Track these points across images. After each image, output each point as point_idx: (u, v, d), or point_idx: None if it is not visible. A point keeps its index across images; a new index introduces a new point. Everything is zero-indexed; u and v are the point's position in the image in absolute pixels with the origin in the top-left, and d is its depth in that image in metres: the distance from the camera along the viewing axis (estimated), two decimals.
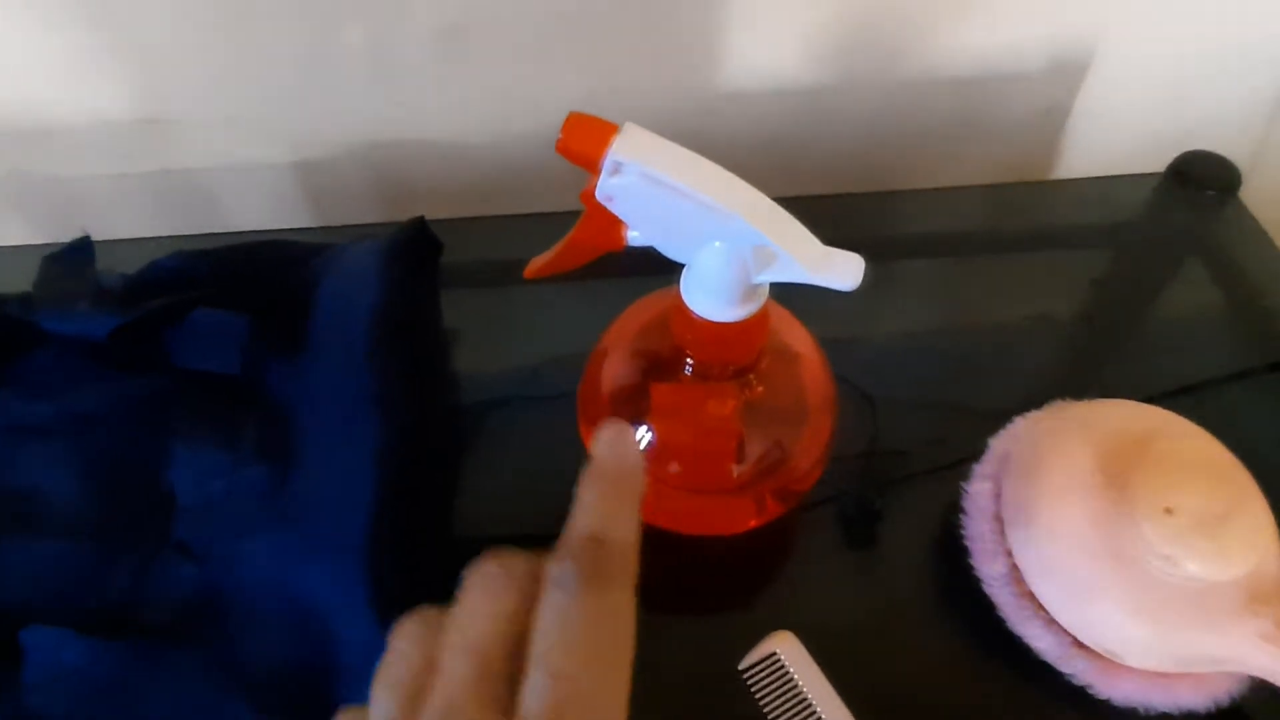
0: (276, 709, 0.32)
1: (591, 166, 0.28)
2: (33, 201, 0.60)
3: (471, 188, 0.61)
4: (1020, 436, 0.38)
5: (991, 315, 0.51)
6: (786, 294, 0.31)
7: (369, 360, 0.37)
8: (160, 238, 0.55)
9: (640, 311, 0.38)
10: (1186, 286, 0.53)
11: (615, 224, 0.29)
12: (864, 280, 0.28)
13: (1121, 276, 0.53)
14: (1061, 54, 0.57)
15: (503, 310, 0.50)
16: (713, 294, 0.30)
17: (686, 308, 0.31)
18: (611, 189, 0.28)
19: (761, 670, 0.36)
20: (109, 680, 0.32)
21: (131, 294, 0.40)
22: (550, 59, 0.54)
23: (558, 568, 0.21)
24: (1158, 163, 0.57)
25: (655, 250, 0.30)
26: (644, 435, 0.35)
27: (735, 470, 0.35)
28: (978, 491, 0.37)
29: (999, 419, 0.40)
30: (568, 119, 0.27)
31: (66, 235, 0.44)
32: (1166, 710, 0.34)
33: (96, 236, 0.44)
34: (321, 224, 0.62)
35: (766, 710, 0.35)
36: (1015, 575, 0.35)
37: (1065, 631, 0.34)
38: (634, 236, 0.30)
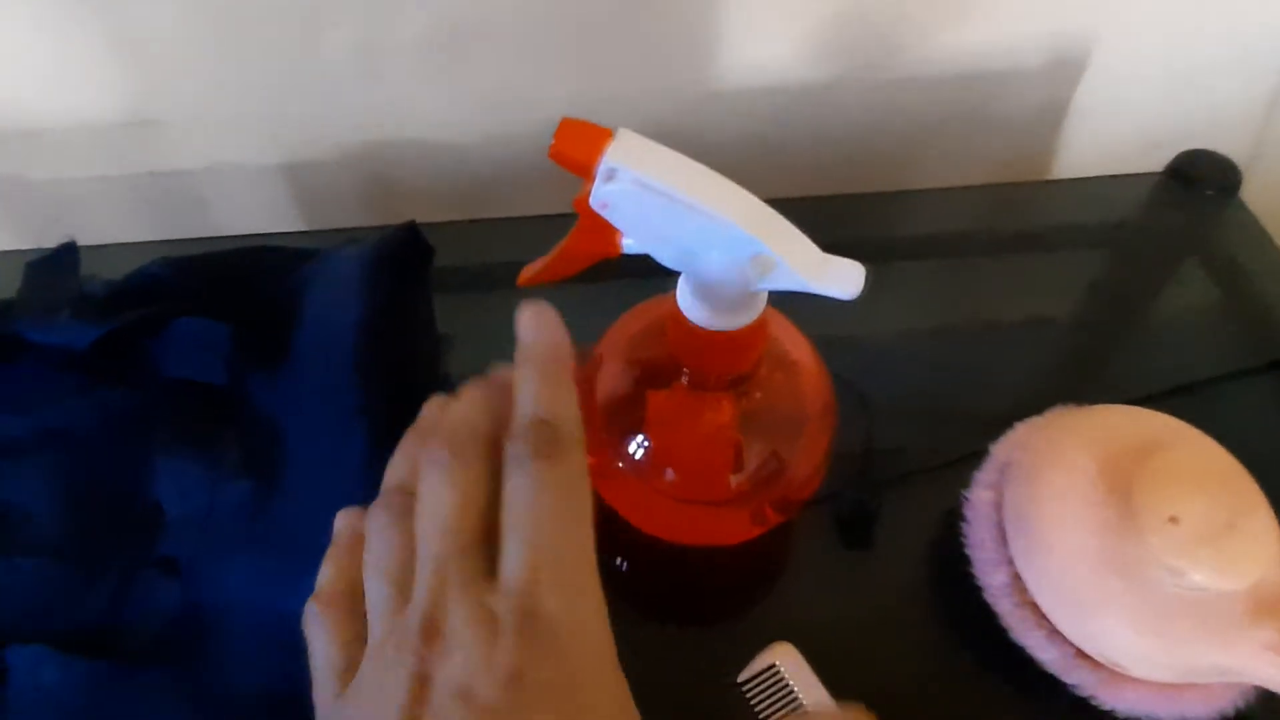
0: None
1: (585, 173, 0.27)
2: (17, 205, 0.59)
3: (465, 190, 0.60)
4: (1021, 444, 0.37)
5: (990, 316, 0.50)
6: (782, 295, 0.31)
7: (355, 372, 0.37)
8: (148, 242, 0.54)
9: (635, 319, 0.38)
10: (1186, 286, 0.52)
11: (610, 231, 0.29)
12: (864, 284, 0.27)
13: (1121, 276, 0.53)
14: (1059, 50, 0.57)
15: (497, 316, 0.49)
16: (710, 302, 0.29)
17: (683, 316, 0.30)
18: (605, 196, 0.27)
19: (761, 682, 0.35)
20: (88, 701, 0.31)
21: (115, 302, 0.40)
22: (542, 58, 0.54)
23: (513, 450, 0.24)
24: (1157, 162, 0.56)
25: (651, 257, 0.29)
26: (640, 445, 0.35)
27: (733, 480, 0.35)
28: (979, 500, 0.37)
29: (999, 421, 0.40)
30: (560, 124, 0.27)
31: (52, 240, 0.43)
32: None
33: (83, 241, 0.44)
34: (312, 228, 0.61)
35: None
36: (1017, 585, 0.35)
37: (1068, 642, 0.34)
38: (629, 244, 0.29)
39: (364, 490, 0.35)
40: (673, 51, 0.54)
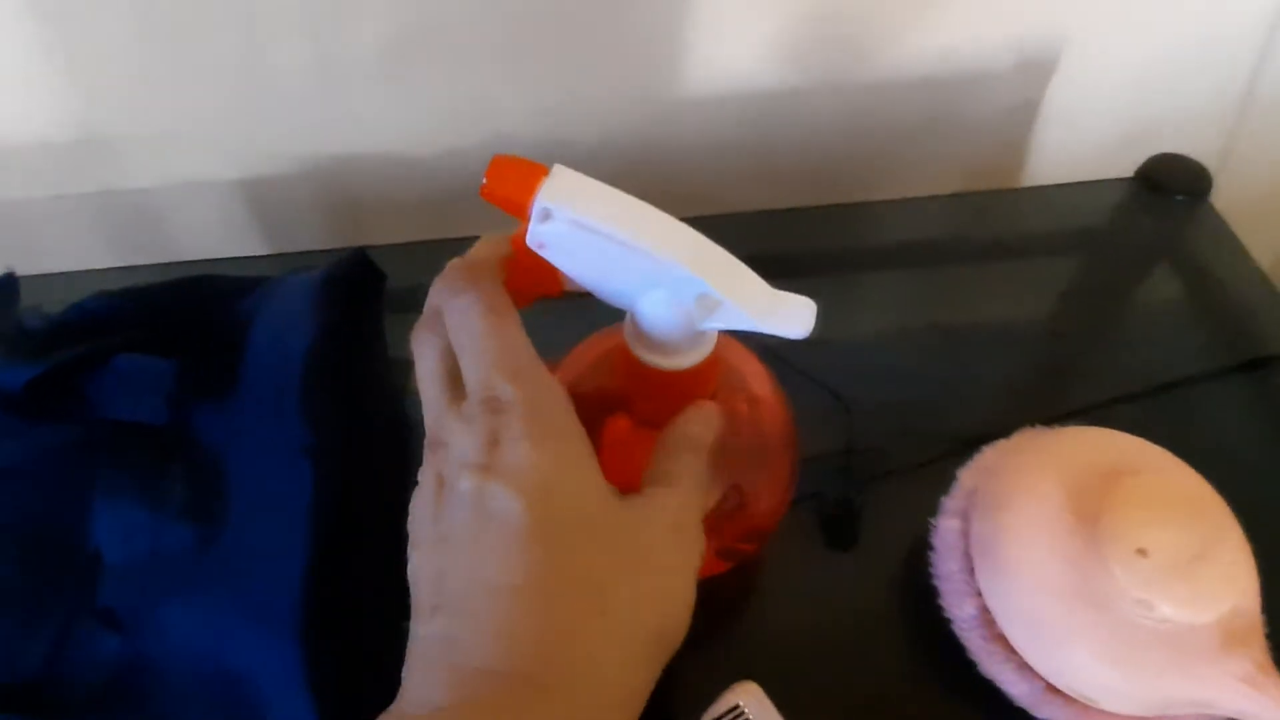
0: None
1: (519, 213, 0.26)
2: None
3: (428, 206, 0.59)
4: (988, 469, 0.36)
5: (962, 325, 0.50)
6: None
7: (302, 407, 0.35)
8: (102, 270, 0.53)
9: (591, 347, 0.36)
10: (1158, 290, 0.52)
11: (550, 270, 0.27)
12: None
13: (1093, 282, 0.53)
14: (1028, 52, 0.56)
15: None
16: (655, 342, 0.28)
17: (630, 353, 0.29)
18: (542, 236, 0.26)
19: None
20: None
21: (53, 338, 0.38)
22: (505, 67, 0.53)
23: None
24: (1126, 165, 0.56)
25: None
26: None
27: None
28: (945, 529, 0.36)
29: (974, 429, 0.40)
30: (492, 162, 0.26)
31: None
32: None
33: (36, 268, 0.42)
34: (273, 250, 0.60)
35: None
36: (986, 618, 0.34)
37: (1039, 676, 0.33)
38: (572, 282, 0.28)
39: (311, 532, 0.34)
40: (638, 59, 0.53)
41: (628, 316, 0.29)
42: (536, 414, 0.25)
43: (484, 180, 0.25)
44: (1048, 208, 0.56)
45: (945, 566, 0.35)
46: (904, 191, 0.56)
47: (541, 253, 0.26)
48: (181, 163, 0.56)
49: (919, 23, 0.54)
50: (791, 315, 0.26)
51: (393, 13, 0.49)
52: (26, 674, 0.32)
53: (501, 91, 0.54)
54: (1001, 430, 0.39)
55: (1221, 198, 0.54)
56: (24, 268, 0.43)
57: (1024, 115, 0.60)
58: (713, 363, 0.29)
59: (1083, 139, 0.61)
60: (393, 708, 0.24)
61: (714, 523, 0.34)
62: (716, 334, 0.29)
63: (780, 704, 0.34)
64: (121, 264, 0.54)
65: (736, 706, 0.34)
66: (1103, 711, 0.33)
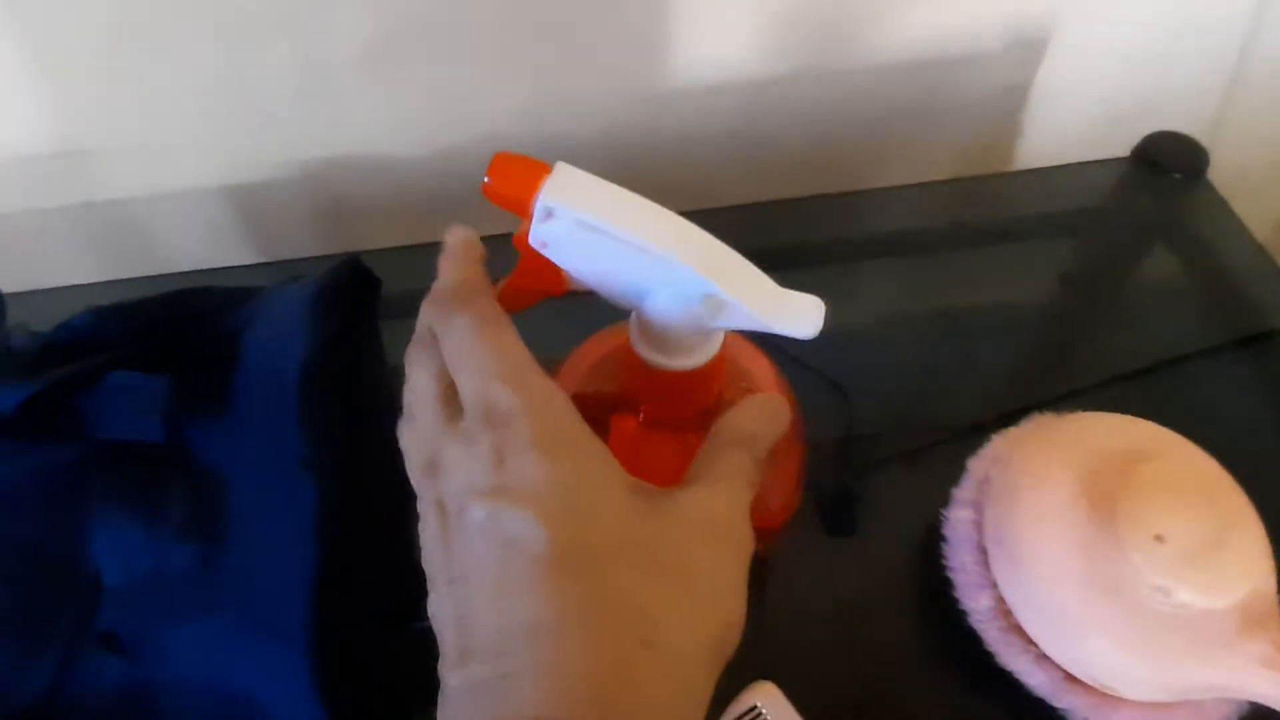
0: None
1: (521, 211, 0.25)
2: None
3: (419, 209, 0.58)
4: (999, 458, 0.36)
5: (960, 310, 0.50)
6: None
7: (300, 420, 0.35)
8: (90, 284, 0.52)
9: (597, 345, 0.36)
10: (1156, 267, 0.52)
11: (554, 269, 0.27)
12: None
13: (1092, 261, 0.53)
14: (1019, 31, 0.56)
15: None
16: (661, 342, 0.28)
17: (635, 353, 0.29)
18: (545, 235, 0.25)
19: None
20: None
21: (44, 357, 0.37)
22: (491, 63, 0.52)
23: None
24: (1120, 143, 0.55)
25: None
26: None
27: None
28: (958, 519, 0.36)
29: (975, 421, 0.39)
30: (494, 159, 0.25)
31: None
32: None
33: (18, 282, 0.41)
34: (263, 259, 0.59)
35: None
36: (1002, 608, 0.34)
37: (1057, 667, 0.33)
38: (577, 281, 0.27)
39: (315, 545, 0.33)
40: (625, 52, 0.53)
41: (632, 316, 0.28)
42: (541, 419, 0.24)
43: (485, 178, 0.25)
44: (1044, 190, 0.56)
45: (959, 558, 0.35)
46: (899, 178, 0.56)
47: (544, 252, 0.26)
48: (165, 172, 0.55)
49: (908, 4, 0.53)
50: (800, 315, 0.25)
51: (376, 12, 0.48)
52: (29, 701, 0.32)
53: (489, 88, 0.53)
54: (1006, 414, 0.38)
55: (1215, 171, 0.54)
56: (8, 284, 0.42)
57: (1016, 96, 0.59)
58: (719, 362, 0.29)
59: (1076, 117, 0.60)
60: None
61: None
62: (723, 334, 0.28)
63: (797, 702, 0.34)
64: (109, 278, 0.54)
65: (754, 707, 0.34)
66: (1123, 700, 0.32)
